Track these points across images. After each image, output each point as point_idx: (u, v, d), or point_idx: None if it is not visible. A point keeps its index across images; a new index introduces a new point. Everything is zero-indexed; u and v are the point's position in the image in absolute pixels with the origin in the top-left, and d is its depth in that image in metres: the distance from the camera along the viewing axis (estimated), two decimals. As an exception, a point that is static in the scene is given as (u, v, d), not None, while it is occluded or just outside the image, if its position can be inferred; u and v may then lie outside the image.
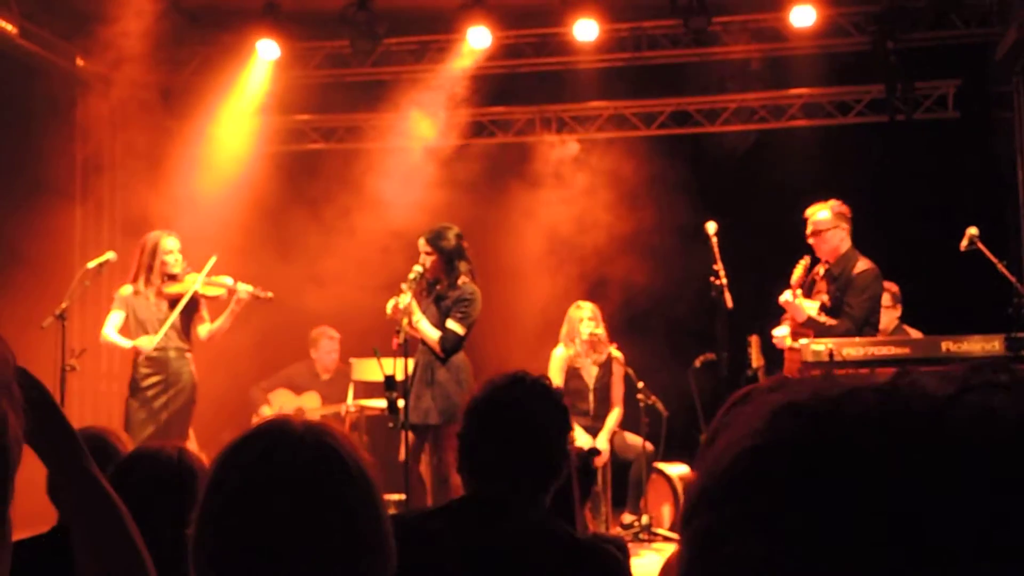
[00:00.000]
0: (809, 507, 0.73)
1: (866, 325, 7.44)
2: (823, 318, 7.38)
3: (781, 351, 7.60)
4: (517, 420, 2.78)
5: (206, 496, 1.64)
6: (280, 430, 1.67)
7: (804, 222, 7.70)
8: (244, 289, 8.19)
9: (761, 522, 0.75)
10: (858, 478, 0.73)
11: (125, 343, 8.10)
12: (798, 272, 7.52)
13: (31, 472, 1.62)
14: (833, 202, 7.67)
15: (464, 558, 2.57)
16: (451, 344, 7.50)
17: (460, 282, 7.54)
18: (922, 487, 0.71)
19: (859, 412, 0.76)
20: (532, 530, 2.69)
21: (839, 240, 7.60)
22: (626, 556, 3.19)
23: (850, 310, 7.41)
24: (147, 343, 8.01)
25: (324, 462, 1.63)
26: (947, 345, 7.04)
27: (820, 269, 7.65)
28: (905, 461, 0.72)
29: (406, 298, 7.42)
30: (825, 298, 7.55)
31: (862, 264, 7.53)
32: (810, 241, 7.66)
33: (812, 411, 0.78)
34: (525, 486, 2.74)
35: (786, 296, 7.45)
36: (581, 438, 8.45)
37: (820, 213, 7.63)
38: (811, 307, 7.46)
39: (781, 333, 7.60)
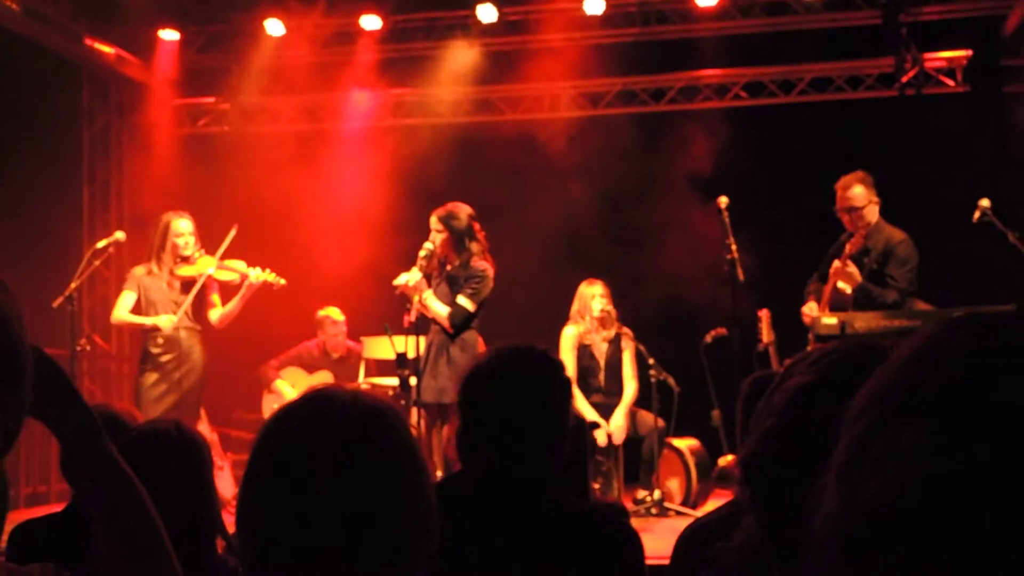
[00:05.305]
0: (982, 406, 0.74)
1: (909, 296, 7.41)
2: (874, 288, 7.31)
3: (795, 327, 7.53)
4: (517, 389, 2.74)
5: (250, 461, 1.63)
6: (326, 398, 1.66)
7: (833, 194, 7.54)
8: (256, 275, 8.15)
9: (928, 413, 0.76)
10: None
11: (145, 320, 8.05)
12: (847, 245, 7.39)
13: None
14: (861, 174, 7.52)
15: (468, 531, 2.54)
16: (460, 319, 7.47)
17: (471, 261, 7.53)
18: None
19: None
20: (535, 501, 2.67)
21: (873, 215, 7.51)
22: (627, 521, 3.17)
23: (895, 282, 7.36)
24: (167, 323, 7.97)
25: (368, 432, 1.61)
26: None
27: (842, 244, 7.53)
28: None
29: (415, 274, 7.41)
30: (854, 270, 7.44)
31: (898, 234, 7.46)
32: (843, 216, 7.53)
33: (991, 319, 0.80)
34: (525, 456, 2.70)
35: (837, 265, 7.37)
36: (591, 418, 8.43)
37: (854, 188, 7.47)
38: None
39: (811, 310, 7.48)
